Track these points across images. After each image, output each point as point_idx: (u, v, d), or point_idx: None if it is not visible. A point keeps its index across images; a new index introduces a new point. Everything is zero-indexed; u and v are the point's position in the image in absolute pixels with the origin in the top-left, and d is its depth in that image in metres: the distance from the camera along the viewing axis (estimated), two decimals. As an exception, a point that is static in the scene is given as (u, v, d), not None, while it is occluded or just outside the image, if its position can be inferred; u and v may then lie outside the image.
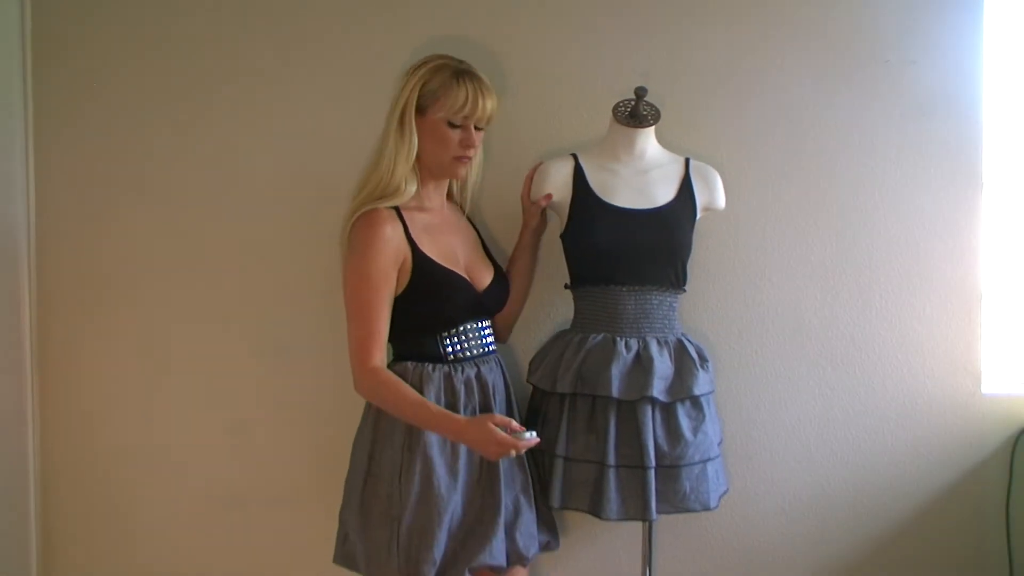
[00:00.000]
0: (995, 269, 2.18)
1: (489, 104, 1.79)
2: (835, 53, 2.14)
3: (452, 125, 1.77)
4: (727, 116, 2.15)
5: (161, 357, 2.28)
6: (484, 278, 1.90)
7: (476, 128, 1.80)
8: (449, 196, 1.99)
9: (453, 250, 1.87)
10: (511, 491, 1.86)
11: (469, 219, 2.03)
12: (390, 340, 1.87)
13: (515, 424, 1.72)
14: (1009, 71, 2.15)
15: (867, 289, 2.16)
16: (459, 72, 1.78)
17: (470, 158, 1.82)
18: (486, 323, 1.94)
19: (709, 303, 2.14)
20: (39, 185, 2.29)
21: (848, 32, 2.13)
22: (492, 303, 1.94)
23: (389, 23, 2.16)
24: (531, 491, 1.90)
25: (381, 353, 1.79)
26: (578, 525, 2.17)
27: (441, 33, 2.11)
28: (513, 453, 1.72)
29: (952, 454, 2.17)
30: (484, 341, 1.92)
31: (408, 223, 1.81)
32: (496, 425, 1.69)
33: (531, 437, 1.72)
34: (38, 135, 2.28)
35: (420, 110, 1.79)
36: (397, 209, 1.81)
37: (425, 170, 1.84)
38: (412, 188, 1.81)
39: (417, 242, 1.80)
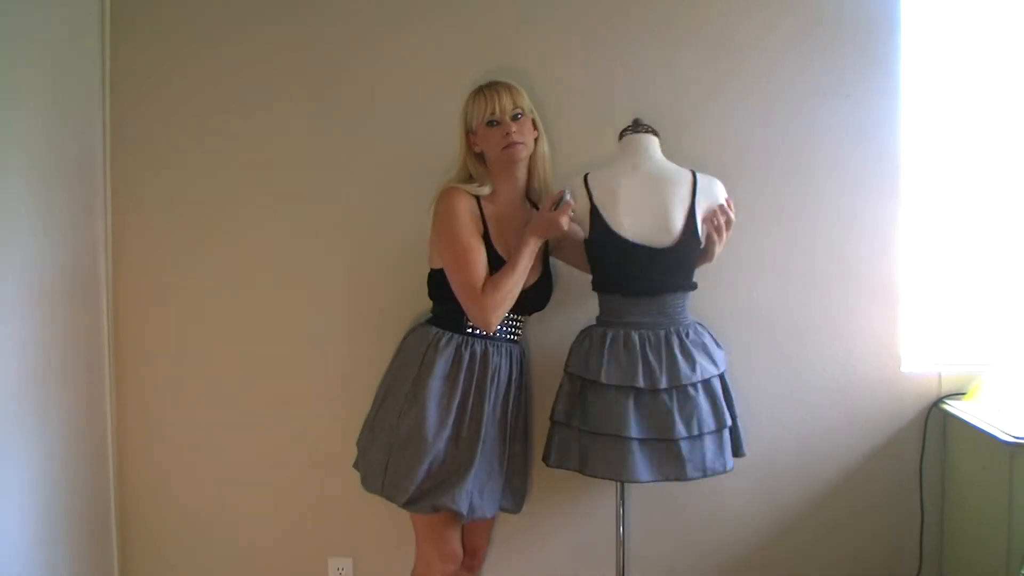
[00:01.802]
0: (912, 269, 2.34)
1: (506, 97, 2.00)
2: (787, 89, 2.32)
3: (491, 124, 2.01)
4: (701, 139, 2.32)
5: (216, 349, 2.47)
6: (530, 277, 2.04)
7: (515, 118, 2.01)
8: (531, 196, 2.15)
9: (510, 245, 2.03)
10: (487, 456, 2.01)
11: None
12: (433, 297, 2.08)
13: (553, 197, 1.99)
14: (921, 106, 2.33)
15: (809, 286, 2.34)
16: (479, 88, 2.04)
17: (518, 142, 2.00)
18: (516, 317, 2.09)
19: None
20: (115, 200, 2.46)
21: (796, 71, 2.31)
22: (529, 302, 2.07)
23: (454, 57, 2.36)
24: (504, 463, 2.07)
25: (481, 283, 1.94)
26: (557, 486, 2.34)
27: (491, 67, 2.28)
28: (565, 221, 1.96)
29: (877, 423, 2.35)
30: (506, 330, 2.07)
31: (483, 207, 2.03)
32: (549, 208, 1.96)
33: (565, 200, 1.98)
34: (115, 159, 2.44)
35: (472, 131, 2.05)
36: (477, 198, 2.03)
37: (494, 170, 2.05)
38: (487, 189, 2.04)
39: (488, 224, 2.02)
